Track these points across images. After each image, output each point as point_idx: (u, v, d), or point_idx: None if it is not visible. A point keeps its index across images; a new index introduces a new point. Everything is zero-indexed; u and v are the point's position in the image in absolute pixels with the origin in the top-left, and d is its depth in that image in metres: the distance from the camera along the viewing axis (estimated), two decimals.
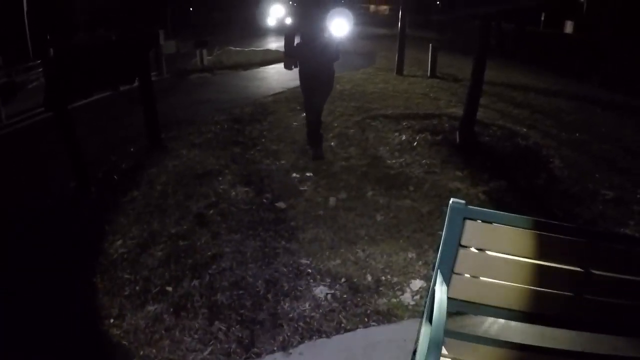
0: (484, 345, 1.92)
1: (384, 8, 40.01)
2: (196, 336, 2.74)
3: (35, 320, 2.95)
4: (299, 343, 2.68)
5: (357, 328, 2.81)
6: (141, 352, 2.63)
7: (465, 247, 1.73)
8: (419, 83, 10.95)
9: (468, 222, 1.70)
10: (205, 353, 2.61)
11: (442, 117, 7.46)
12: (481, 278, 1.78)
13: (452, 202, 1.70)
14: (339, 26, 5.20)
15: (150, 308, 2.99)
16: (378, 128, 6.93)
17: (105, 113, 8.02)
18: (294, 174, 5.13)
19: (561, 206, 4.57)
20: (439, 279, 1.76)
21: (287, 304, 3.01)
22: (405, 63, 12.35)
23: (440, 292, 1.71)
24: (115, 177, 5.22)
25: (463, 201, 1.70)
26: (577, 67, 13.24)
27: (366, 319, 2.88)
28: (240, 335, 2.74)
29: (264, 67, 13.57)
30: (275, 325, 2.83)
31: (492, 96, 9.16)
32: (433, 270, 1.83)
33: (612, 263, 1.74)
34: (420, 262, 3.47)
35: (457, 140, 6.18)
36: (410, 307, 3.00)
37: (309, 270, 3.37)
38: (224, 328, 2.80)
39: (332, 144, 6.05)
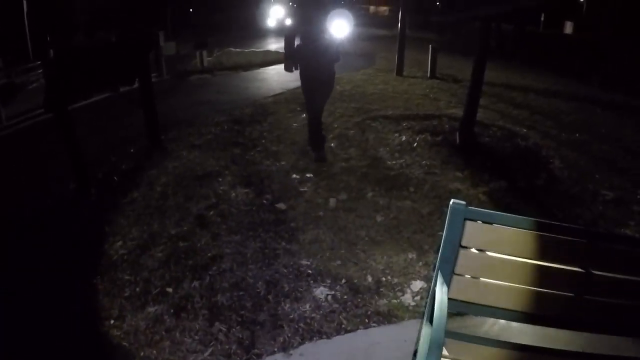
0: (485, 346, 1.92)
1: (384, 9, 40.05)
2: (196, 337, 2.74)
3: (36, 321, 2.95)
4: (300, 344, 2.68)
5: (357, 329, 2.81)
6: (141, 353, 2.63)
7: (466, 247, 1.73)
8: (418, 84, 10.95)
9: (468, 223, 1.70)
10: (206, 354, 2.61)
11: (442, 118, 7.46)
12: (482, 279, 1.78)
13: (453, 202, 1.70)
14: (339, 27, 5.20)
15: (151, 309, 2.99)
16: (378, 129, 6.93)
17: (106, 114, 8.03)
18: (294, 175, 5.13)
19: (561, 207, 4.57)
20: (440, 279, 1.76)
21: (287, 305, 3.01)
22: (405, 64, 12.36)
23: (441, 293, 1.71)
24: (115, 178, 5.22)
25: (463, 202, 1.70)
26: (576, 67, 13.25)
27: (367, 320, 2.88)
28: (240, 336, 2.74)
29: (264, 68, 13.58)
30: (276, 326, 2.82)
31: (492, 97, 9.16)
32: (433, 271, 1.83)
33: (613, 264, 1.74)
34: (420, 263, 3.47)
35: (457, 141, 6.18)
36: (410, 307, 2.99)
37: (310, 271, 3.37)
38: (224, 329, 2.80)
39: (332, 145, 6.05)
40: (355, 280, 3.26)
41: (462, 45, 16.26)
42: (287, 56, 5.50)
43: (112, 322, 2.90)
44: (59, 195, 4.85)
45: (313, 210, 4.31)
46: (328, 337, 2.74)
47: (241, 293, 3.13)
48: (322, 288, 3.19)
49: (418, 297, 3.09)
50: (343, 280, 3.26)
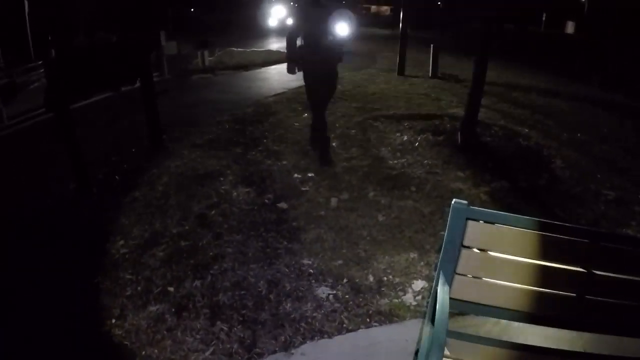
0: (486, 346, 1.91)
1: (385, 9, 39.93)
2: (198, 336, 2.74)
3: (37, 321, 2.95)
4: (301, 343, 2.68)
5: (359, 328, 2.81)
6: (143, 353, 2.64)
7: (468, 247, 1.73)
8: (420, 84, 10.94)
9: (470, 223, 1.69)
10: (207, 353, 2.61)
11: (444, 118, 7.46)
12: (483, 279, 1.78)
13: (455, 202, 1.70)
14: (342, 27, 5.18)
15: (152, 308, 2.99)
16: (379, 129, 6.93)
17: (107, 113, 8.02)
18: (296, 175, 5.13)
19: (563, 206, 4.57)
20: (441, 279, 1.76)
21: (289, 305, 3.01)
22: (406, 64, 12.36)
23: (443, 293, 1.71)
24: (116, 177, 5.22)
25: (465, 202, 1.69)
26: (578, 67, 13.23)
27: (368, 320, 2.88)
28: (242, 335, 2.74)
29: (265, 68, 13.58)
30: (277, 325, 2.82)
31: (493, 97, 9.15)
32: (435, 270, 1.83)
33: (615, 264, 1.73)
34: (422, 263, 3.47)
35: (459, 140, 6.18)
36: (412, 307, 2.99)
37: (311, 271, 3.37)
38: (225, 328, 2.80)
39: (334, 144, 6.05)
40: (357, 280, 3.26)
41: (464, 45, 16.26)
42: (290, 58, 5.48)
43: (113, 321, 2.90)
44: (60, 195, 4.85)
45: (315, 210, 4.31)
46: (329, 337, 2.74)
47: (243, 292, 3.14)
48: (323, 287, 3.19)
49: (419, 297, 3.09)
50: (344, 280, 3.26)
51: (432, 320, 1.72)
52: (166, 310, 2.97)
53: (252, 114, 7.83)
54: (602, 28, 14.50)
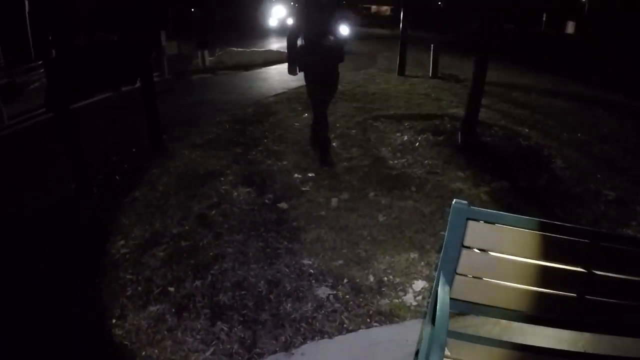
0: (487, 346, 1.91)
1: (385, 9, 39.94)
2: (198, 337, 2.74)
3: (37, 321, 2.95)
4: (301, 343, 2.68)
5: (359, 329, 2.81)
6: (143, 353, 2.64)
7: (468, 247, 1.73)
8: (420, 84, 10.95)
9: (471, 223, 1.69)
10: (208, 353, 2.61)
11: (444, 118, 7.46)
12: (484, 279, 1.78)
13: (455, 202, 1.69)
14: (342, 27, 5.16)
15: (153, 308, 2.99)
16: (380, 129, 6.93)
17: (107, 113, 8.03)
18: (296, 175, 5.13)
19: (563, 207, 4.57)
20: (442, 279, 1.76)
21: (289, 305, 3.01)
22: (406, 64, 12.36)
23: (443, 293, 1.71)
24: (116, 177, 5.22)
25: (466, 202, 1.69)
26: (578, 67, 13.23)
27: (368, 320, 2.88)
28: (242, 335, 2.74)
29: (265, 68, 13.59)
30: (278, 325, 2.82)
31: (493, 97, 9.15)
32: (435, 270, 1.83)
33: (615, 264, 1.73)
34: (422, 263, 3.46)
35: (459, 140, 6.18)
36: (412, 307, 2.99)
37: (311, 271, 3.37)
38: (226, 328, 2.80)
39: (334, 144, 6.04)
40: (357, 280, 3.26)
41: (464, 45, 16.26)
42: (290, 59, 5.42)
43: (114, 321, 2.90)
44: (60, 195, 4.85)
45: (315, 210, 4.31)
46: (330, 337, 2.74)
47: (243, 292, 3.13)
48: (323, 288, 3.19)
49: (420, 297, 3.09)
50: (345, 280, 3.26)
51: (433, 321, 1.72)
52: (166, 310, 2.97)
53: (252, 114, 7.83)
54: (602, 28, 14.49)
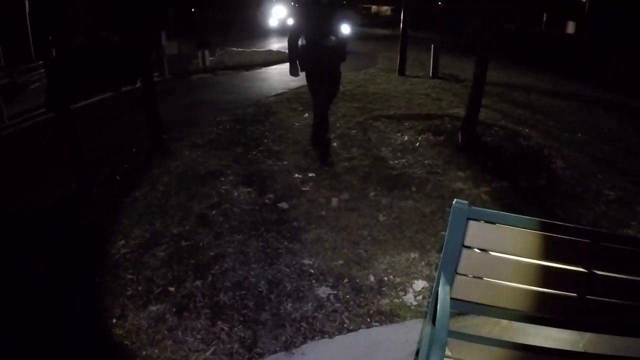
0: (487, 346, 1.92)
1: (386, 9, 39.94)
2: (199, 336, 2.74)
3: (37, 321, 2.95)
4: (302, 343, 2.68)
5: (359, 328, 2.81)
6: (144, 353, 2.64)
7: (469, 247, 1.73)
8: (420, 84, 10.94)
9: (471, 223, 1.69)
10: (208, 353, 2.62)
11: (444, 118, 7.46)
12: (484, 278, 1.78)
13: (456, 202, 1.70)
14: (343, 27, 5.14)
15: (153, 308, 3.00)
16: (380, 129, 6.93)
17: (108, 113, 8.04)
18: (296, 175, 5.13)
19: (563, 207, 4.57)
20: (442, 279, 1.76)
21: (289, 304, 3.01)
22: (407, 64, 12.36)
23: (444, 293, 1.71)
24: (117, 177, 5.22)
25: (466, 202, 1.69)
26: (578, 67, 13.23)
27: (369, 320, 2.88)
28: (242, 335, 2.75)
29: (266, 68, 13.58)
30: (278, 325, 2.83)
31: (493, 97, 9.15)
32: (436, 270, 1.83)
33: (616, 264, 1.73)
34: (422, 263, 3.47)
35: (459, 140, 6.18)
36: (412, 307, 2.99)
37: (312, 271, 3.37)
38: (226, 328, 2.80)
39: (335, 144, 6.04)
40: (358, 280, 3.26)
41: (464, 45, 16.27)
42: (292, 60, 5.36)
43: (114, 321, 2.90)
44: (60, 195, 4.85)
45: (315, 210, 4.31)
46: (330, 337, 2.74)
47: (243, 292, 3.14)
48: (324, 287, 3.19)
49: (420, 297, 3.09)
50: (345, 280, 3.26)
51: (433, 320, 1.73)
52: (167, 310, 2.97)
53: (252, 114, 7.83)
54: (602, 28, 14.49)
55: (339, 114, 7.58)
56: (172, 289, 3.19)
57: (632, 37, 12.51)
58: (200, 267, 3.42)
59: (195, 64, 13.49)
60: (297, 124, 7.17)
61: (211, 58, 14.00)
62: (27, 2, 12.15)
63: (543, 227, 1.68)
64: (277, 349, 2.64)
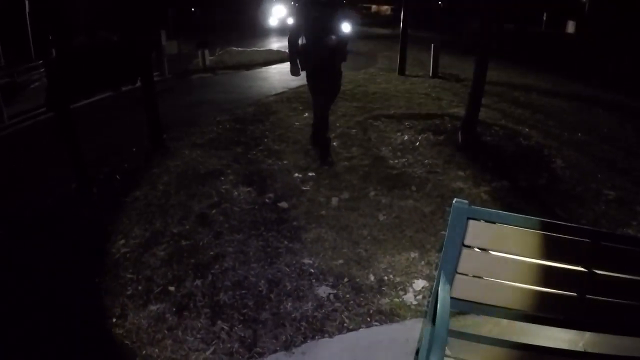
0: (487, 345, 1.92)
1: (386, 8, 39.93)
2: (199, 336, 2.74)
3: (38, 320, 2.95)
4: (302, 343, 2.68)
5: (359, 328, 2.81)
6: (143, 352, 2.64)
7: (469, 247, 1.73)
8: (420, 83, 10.94)
9: (471, 222, 1.70)
10: (208, 353, 2.62)
11: (444, 117, 7.46)
12: (484, 278, 1.78)
13: (456, 202, 1.70)
14: (344, 26, 5.12)
15: (153, 307, 3.00)
16: (380, 128, 6.93)
17: (108, 113, 8.04)
18: (296, 174, 5.13)
19: (563, 206, 4.57)
20: (442, 278, 1.76)
21: (289, 304, 3.01)
22: (407, 63, 12.36)
23: (444, 292, 1.71)
24: (117, 177, 5.22)
25: (466, 201, 1.69)
26: (578, 67, 13.23)
27: (369, 319, 2.88)
28: (242, 334, 2.75)
29: (266, 67, 13.58)
30: (278, 324, 2.83)
31: (493, 96, 9.15)
32: (436, 270, 1.83)
33: (616, 263, 1.74)
34: (422, 262, 3.47)
35: (459, 140, 6.18)
36: (412, 307, 3.00)
37: (312, 270, 3.37)
38: (226, 328, 2.80)
39: (335, 144, 6.04)
40: (358, 279, 3.26)
41: (464, 44, 16.26)
42: (292, 59, 5.32)
43: (114, 320, 2.90)
44: (60, 195, 4.85)
45: (315, 209, 4.31)
46: (330, 336, 2.74)
47: (243, 292, 3.14)
48: (324, 287, 3.19)
49: (420, 296, 3.09)
50: (345, 279, 3.26)
51: (433, 320, 1.73)
52: (167, 309, 2.98)
53: (252, 114, 7.83)
54: (602, 28, 14.49)
55: (339, 113, 7.57)
56: (172, 288, 3.19)
57: (632, 37, 12.50)
58: (200, 266, 3.42)
59: (195, 64, 13.49)
60: (297, 123, 7.17)
61: (211, 57, 14.00)
62: (27, 2, 12.15)
63: (543, 226, 1.68)
64: (277, 348, 2.65)
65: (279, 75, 11.79)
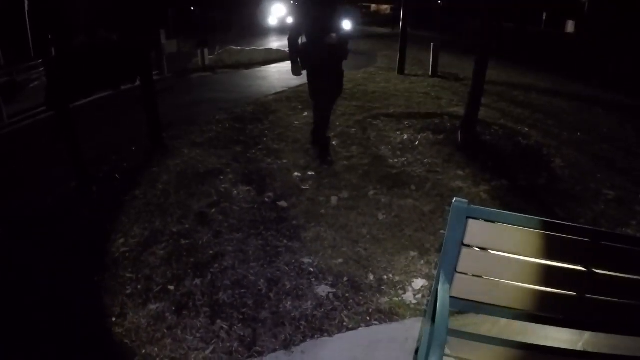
0: (486, 344, 1.92)
1: (385, 7, 39.95)
2: (198, 335, 2.74)
3: (37, 320, 2.95)
4: (301, 342, 2.68)
5: (359, 327, 2.81)
6: (143, 351, 2.64)
7: (468, 246, 1.73)
8: (420, 82, 10.95)
9: (471, 221, 1.70)
10: (207, 352, 2.62)
11: (444, 117, 7.46)
12: (484, 277, 1.78)
13: (455, 201, 1.70)
14: (345, 23, 5.10)
15: (152, 307, 3.00)
16: (380, 127, 6.93)
17: (107, 112, 8.04)
18: (296, 173, 5.13)
19: (563, 206, 4.57)
20: (442, 278, 1.76)
21: (289, 303, 3.01)
22: (406, 62, 12.36)
23: (443, 291, 1.71)
24: (116, 176, 5.22)
25: (466, 200, 1.69)
26: (578, 67, 13.23)
27: (368, 318, 2.88)
28: (242, 333, 2.75)
29: (265, 67, 13.58)
30: (277, 324, 2.83)
31: (493, 96, 9.15)
32: (435, 269, 1.83)
33: (615, 263, 1.74)
34: (422, 261, 3.47)
35: (459, 139, 6.18)
36: (412, 306, 3.00)
37: (311, 269, 3.37)
38: (226, 327, 2.80)
39: (334, 143, 6.04)
40: (357, 278, 3.26)
41: (464, 44, 16.27)
42: (293, 59, 5.28)
43: (114, 319, 2.90)
44: (60, 194, 4.85)
45: (315, 208, 4.31)
46: (329, 335, 2.74)
47: (243, 291, 3.14)
48: (323, 286, 3.19)
49: (420, 295, 3.09)
50: (345, 278, 3.26)
51: (433, 319, 1.73)
52: (166, 308, 2.97)
53: (252, 113, 7.83)
54: (602, 28, 14.49)
55: (339, 113, 7.57)
56: (171, 287, 3.19)
57: (632, 37, 12.50)
58: (200, 265, 3.42)
59: (195, 63, 13.49)
60: (296, 122, 7.17)
61: (211, 57, 14.00)
62: (26, 2, 12.14)
63: (542, 225, 1.68)
64: (277, 347, 2.64)
65: (279, 75, 11.80)
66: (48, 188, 5.00)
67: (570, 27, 18.89)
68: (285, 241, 3.75)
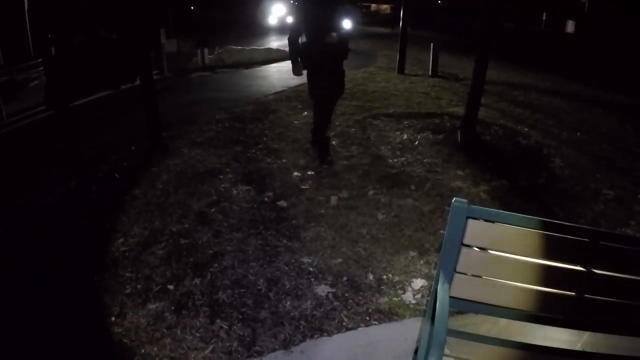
0: (486, 344, 1.92)
1: (385, 7, 39.93)
2: (197, 334, 2.74)
3: (37, 319, 2.95)
4: (301, 341, 2.68)
5: (358, 327, 2.81)
6: (142, 351, 2.64)
7: (468, 246, 1.73)
8: (420, 82, 10.94)
9: (470, 221, 1.69)
10: (207, 351, 2.62)
11: (444, 117, 7.46)
12: (483, 277, 1.78)
13: (455, 201, 1.69)
14: (345, 22, 5.09)
15: (152, 306, 3.00)
16: (379, 127, 6.93)
17: (107, 111, 8.03)
18: (296, 173, 5.13)
19: (562, 205, 4.57)
20: (441, 278, 1.76)
21: (288, 303, 3.01)
22: (406, 62, 12.35)
23: (443, 291, 1.71)
24: (116, 175, 5.22)
25: (465, 200, 1.69)
26: (578, 67, 13.23)
27: (367, 318, 2.88)
28: (241, 333, 2.75)
29: (265, 66, 13.57)
30: (277, 323, 2.83)
31: (493, 95, 9.15)
32: (435, 269, 1.83)
33: (615, 263, 1.74)
34: (421, 261, 3.47)
35: (459, 139, 6.18)
36: (411, 306, 3.00)
37: (311, 269, 3.37)
38: (225, 326, 2.80)
39: (334, 142, 6.04)
40: (356, 278, 3.26)
41: (464, 44, 16.26)
42: (293, 59, 5.25)
43: (113, 319, 2.90)
44: (60, 193, 4.84)
45: (314, 208, 4.31)
46: (329, 335, 2.74)
47: (242, 290, 3.14)
48: (323, 286, 3.19)
49: (419, 295, 3.09)
50: (344, 278, 3.26)
51: (432, 319, 1.73)
52: (166, 308, 2.97)
53: (252, 112, 7.83)
54: (602, 28, 14.49)
55: (338, 112, 7.56)
56: (171, 287, 3.19)
57: (632, 37, 12.50)
58: (199, 265, 3.42)
59: (195, 62, 13.48)
60: (296, 122, 7.17)
61: (210, 56, 13.98)
62: (26, 1, 12.14)
63: (542, 226, 1.68)
64: (276, 347, 2.64)
65: (279, 74, 11.79)
66: (48, 187, 4.99)
67: (570, 27, 18.89)
68: (284, 241, 3.75)
